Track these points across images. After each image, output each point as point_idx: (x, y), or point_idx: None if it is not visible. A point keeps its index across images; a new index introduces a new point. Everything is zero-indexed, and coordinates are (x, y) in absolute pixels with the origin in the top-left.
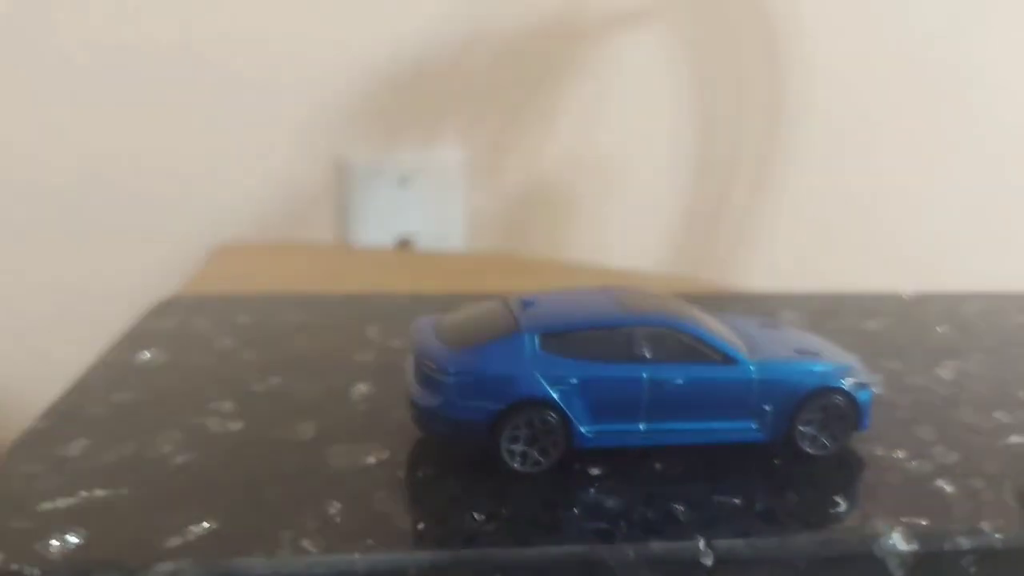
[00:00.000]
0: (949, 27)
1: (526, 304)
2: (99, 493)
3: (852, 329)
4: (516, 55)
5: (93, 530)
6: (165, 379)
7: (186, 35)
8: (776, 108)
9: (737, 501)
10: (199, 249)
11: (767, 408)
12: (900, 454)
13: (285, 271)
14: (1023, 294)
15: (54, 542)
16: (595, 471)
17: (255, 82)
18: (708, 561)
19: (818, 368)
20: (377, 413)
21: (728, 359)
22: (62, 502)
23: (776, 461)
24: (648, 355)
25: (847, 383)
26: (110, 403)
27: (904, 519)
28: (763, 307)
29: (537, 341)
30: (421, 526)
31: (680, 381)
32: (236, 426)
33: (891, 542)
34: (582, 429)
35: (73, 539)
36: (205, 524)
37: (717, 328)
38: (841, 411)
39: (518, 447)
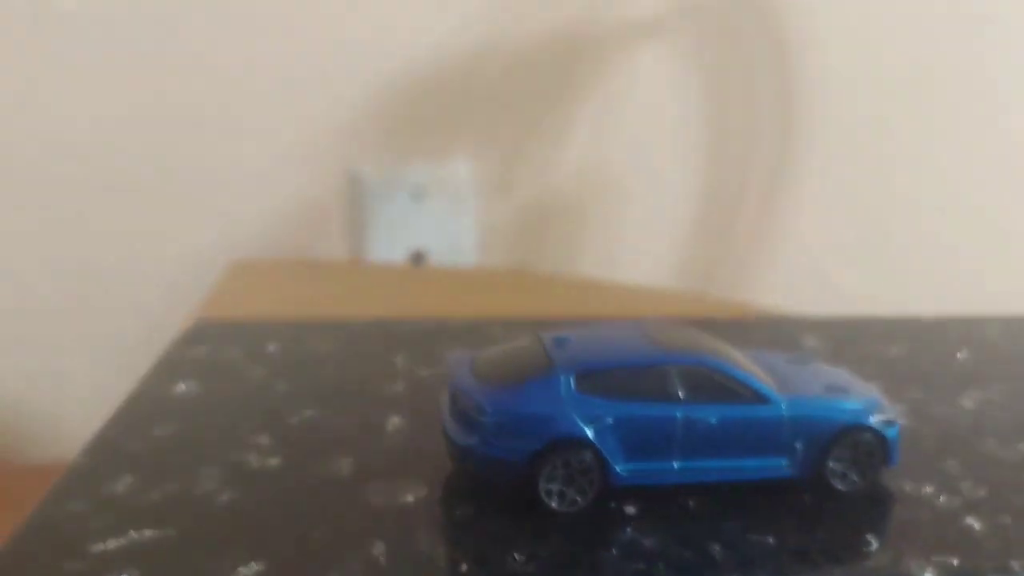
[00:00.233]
0: (965, 44)
1: (559, 342)
2: (148, 534)
3: (874, 356)
4: (528, 71)
5: (146, 573)
6: (202, 412)
7: (200, 52)
8: (787, 123)
9: (770, 540)
10: (214, 263)
11: (798, 445)
12: (928, 489)
13: (303, 289)
14: None
15: None
16: (630, 509)
17: (270, 98)
18: None
19: (848, 406)
20: (412, 447)
21: (760, 397)
22: (112, 543)
23: (806, 497)
24: (682, 394)
25: (876, 421)
26: (151, 438)
27: (935, 558)
28: (786, 333)
29: (572, 381)
30: (464, 567)
31: (713, 420)
32: (274, 462)
33: None
34: (617, 468)
35: None
36: (254, 565)
37: (748, 365)
38: (871, 448)
39: (555, 486)
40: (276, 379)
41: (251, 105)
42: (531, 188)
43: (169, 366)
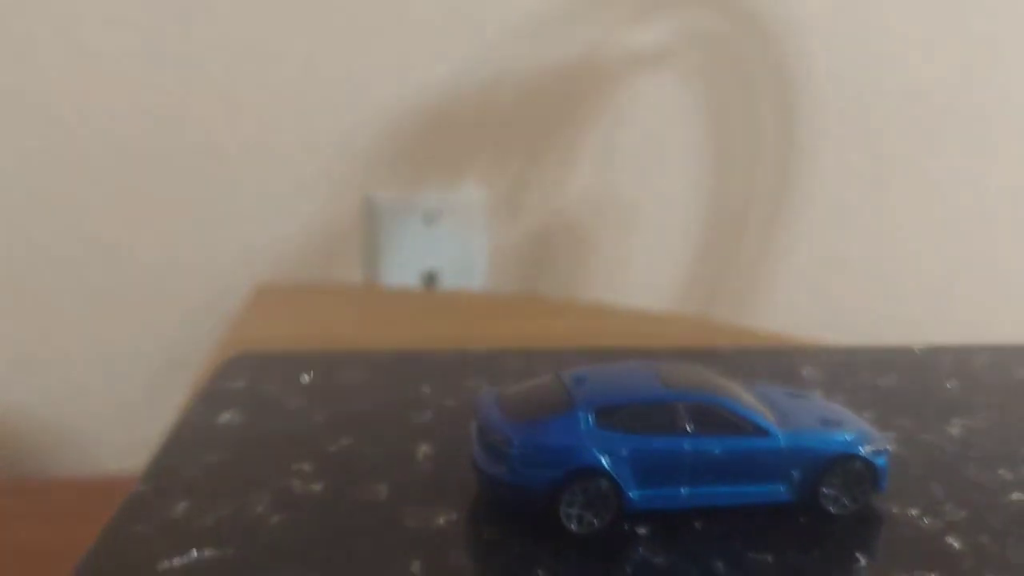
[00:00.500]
0: (967, 69)
1: (578, 380)
2: (208, 553)
3: (868, 385)
4: (537, 99)
5: None
6: (246, 441)
7: (220, 84)
8: (789, 149)
9: (769, 558)
10: (235, 285)
11: (795, 473)
12: (914, 511)
13: (324, 316)
14: None
15: None
16: (642, 531)
17: (289, 127)
18: None
19: (840, 437)
20: (441, 474)
21: (760, 430)
22: (178, 562)
23: (802, 520)
24: (690, 428)
25: (866, 450)
26: (203, 464)
27: (917, 573)
28: (785, 363)
29: (591, 418)
30: None
31: (718, 451)
32: (317, 487)
33: None
34: (631, 494)
35: None
36: None
37: (750, 401)
38: (861, 475)
39: (575, 511)
40: (313, 409)
41: (271, 134)
42: (540, 213)
43: (211, 397)
